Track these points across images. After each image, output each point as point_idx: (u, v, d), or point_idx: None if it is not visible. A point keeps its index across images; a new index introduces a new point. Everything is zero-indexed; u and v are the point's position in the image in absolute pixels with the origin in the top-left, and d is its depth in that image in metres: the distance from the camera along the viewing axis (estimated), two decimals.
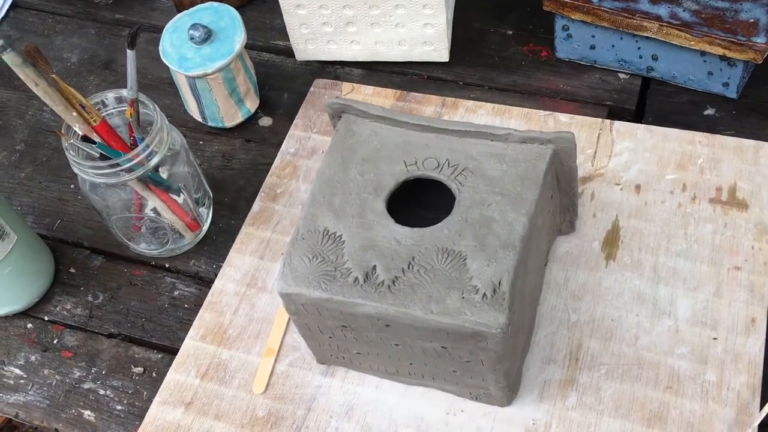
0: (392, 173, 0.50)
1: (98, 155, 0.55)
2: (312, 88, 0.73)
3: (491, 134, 0.50)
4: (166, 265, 0.65)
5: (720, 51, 0.62)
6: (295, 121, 0.71)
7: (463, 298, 0.44)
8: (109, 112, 0.58)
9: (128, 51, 0.55)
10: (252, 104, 0.72)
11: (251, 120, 0.73)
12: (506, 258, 0.45)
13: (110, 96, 0.58)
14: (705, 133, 0.63)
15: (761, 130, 0.64)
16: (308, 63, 0.76)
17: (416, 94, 0.70)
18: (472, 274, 0.45)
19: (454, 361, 0.48)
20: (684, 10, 0.64)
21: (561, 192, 0.53)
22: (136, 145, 0.59)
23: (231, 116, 0.71)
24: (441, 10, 0.68)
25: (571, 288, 0.57)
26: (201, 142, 0.72)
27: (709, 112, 0.66)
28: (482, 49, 0.74)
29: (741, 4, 0.63)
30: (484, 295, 0.44)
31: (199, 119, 0.72)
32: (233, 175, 0.70)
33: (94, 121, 0.56)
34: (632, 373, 0.52)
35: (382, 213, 0.49)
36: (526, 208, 0.47)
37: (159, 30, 0.81)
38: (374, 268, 0.47)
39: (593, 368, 0.53)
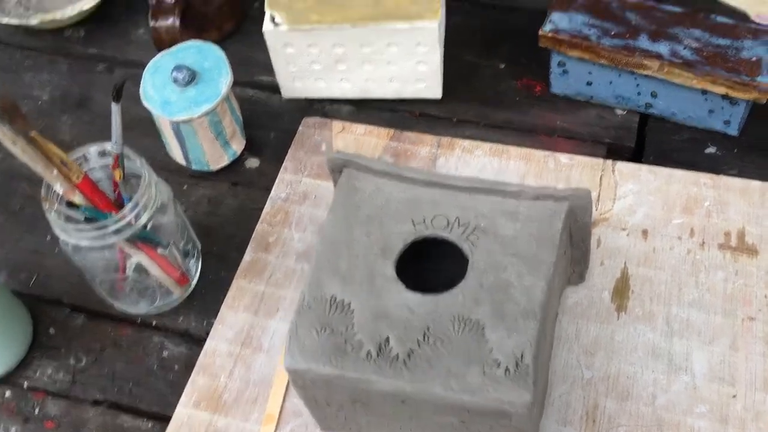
0: (400, 233, 0.48)
1: (83, 218, 0.51)
2: (300, 128, 0.70)
3: (503, 191, 0.48)
4: (153, 323, 0.61)
5: (723, 90, 0.61)
6: (284, 164, 0.68)
7: (484, 373, 0.42)
8: (91, 167, 0.55)
9: (113, 104, 0.51)
10: (238, 145, 0.69)
11: (237, 161, 0.70)
12: (527, 328, 0.43)
13: (92, 150, 0.54)
14: (710, 174, 0.62)
15: (764, 169, 0.63)
16: (295, 99, 0.73)
17: (410, 133, 0.68)
18: (492, 345, 0.43)
19: None
20: (685, 48, 0.62)
21: (573, 246, 0.51)
22: (121, 200, 0.55)
23: (217, 159, 0.68)
24: (435, 48, 0.65)
25: (583, 342, 0.55)
26: (185, 187, 0.69)
27: (711, 150, 0.65)
28: (475, 84, 0.72)
29: (742, 41, 0.62)
30: (507, 369, 0.42)
31: (183, 163, 0.69)
32: (221, 222, 0.66)
33: (77, 178, 0.52)
34: None
35: (392, 278, 0.46)
36: (544, 271, 0.45)
37: (135, 65, 0.77)
38: (387, 340, 0.44)
39: (611, 430, 0.51)
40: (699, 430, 0.50)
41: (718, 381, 0.52)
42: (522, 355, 0.42)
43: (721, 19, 0.63)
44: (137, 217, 0.52)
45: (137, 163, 0.53)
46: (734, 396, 0.51)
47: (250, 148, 0.70)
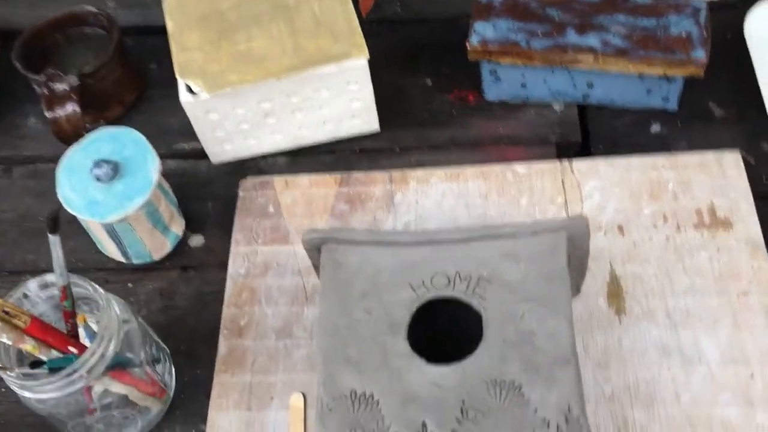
0: (402, 302, 0.45)
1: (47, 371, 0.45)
2: (240, 192, 0.65)
3: (497, 234, 0.45)
4: None
5: (660, 71, 0.61)
6: (234, 236, 0.63)
7: None
8: (33, 303, 0.48)
9: (50, 236, 0.45)
10: (178, 227, 0.63)
11: (180, 243, 0.64)
12: (565, 376, 0.41)
13: (32, 286, 0.48)
14: (666, 155, 0.62)
15: (712, 136, 0.64)
16: (225, 163, 0.68)
17: (358, 174, 0.64)
18: (535, 405, 0.41)
19: None
20: (614, 36, 0.62)
21: (571, 267, 0.50)
22: (75, 330, 0.49)
23: (159, 247, 0.62)
24: (366, 82, 0.62)
25: (594, 356, 0.53)
26: (130, 285, 0.63)
27: (656, 128, 0.65)
28: (406, 107, 0.69)
29: (666, 17, 0.62)
30: (558, 427, 0.40)
31: (121, 259, 0.63)
32: (180, 314, 0.61)
33: (24, 323, 0.46)
34: None
35: (408, 354, 0.43)
36: (563, 311, 0.43)
37: (35, 160, 0.70)
38: (424, 425, 0.41)
39: None
40: (729, 418, 0.50)
41: (733, 363, 0.52)
42: (569, 408, 0.40)
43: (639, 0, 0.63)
44: (106, 348, 0.46)
45: (89, 288, 0.47)
46: (752, 375, 0.52)
47: (190, 225, 0.65)
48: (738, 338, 0.53)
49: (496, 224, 0.45)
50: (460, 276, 0.45)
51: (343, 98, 0.63)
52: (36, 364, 0.45)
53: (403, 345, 0.43)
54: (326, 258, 0.46)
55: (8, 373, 0.44)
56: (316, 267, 0.49)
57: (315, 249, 0.47)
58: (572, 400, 0.40)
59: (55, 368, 0.45)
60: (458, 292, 0.45)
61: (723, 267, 0.56)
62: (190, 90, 0.60)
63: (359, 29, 0.60)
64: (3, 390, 0.58)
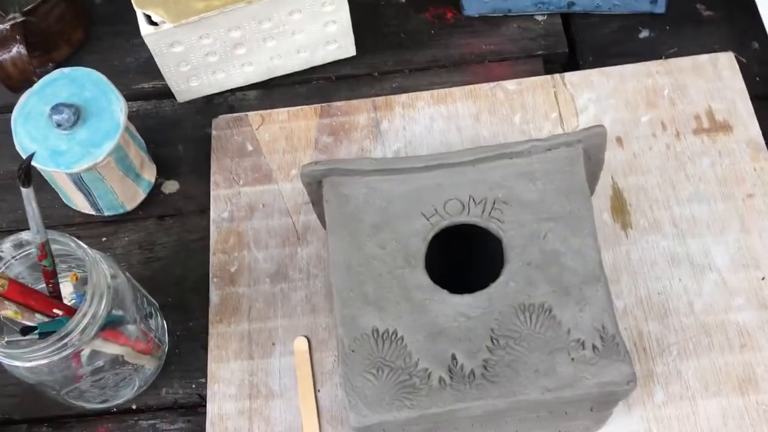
0: (416, 233, 0.42)
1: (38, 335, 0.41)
2: (214, 132, 0.60)
3: (510, 152, 0.43)
4: (133, 407, 0.53)
5: None
6: (212, 178, 0.59)
7: (572, 359, 0.38)
8: (8, 264, 0.44)
9: (23, 189, 0.40)
10: (150, 174, 0.59)
11: (153, 191, 0.60)
12: (596, 294, 0.39)
13: (6, 246, 0.43)
14: (659, 61, 0.59)
15: (702, 38, 0.62)
16: (192, 101, 0.63)
17: (339, 104, 0.61)
18: (567, 326, 0.39)
19: (554, 418, 0.42)
20: None
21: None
22: (57, 291, 0.45)
23: (131, 197, 0.58)
24: (343, 2, 0.57)
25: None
26: (104, 239, 0.58)
27: (645, 34, 0.63)
28: (382, 29, 0.65)
29: None
30: (594, 347, 0.38)
31: (91, 212, 0.58)
32: (164, 266, 0.57)
33: (2, 286, 0.41)
34: (703, 344, 0.49)
35: (430, 286, 0.40)
36: (587, 227, 0.41)
37: None
38: (454, 357, 0.39)
39: (664, 353, 0.49)
40: (744, 322, 0.50)
41: (743, 268, 0.52)
42: (603, 326, 0.39)
43: None
44: (98, 307, 0.42)
45: (71, 245, 0.43)
46: (763, 278, 0.51)
47: (162, 172, 0.60)
48: (747, 242, 0.52)
49: (509, 143, 0.43)
50: (474, 200, 0.42)
51: (319, 22, 0.58)
52: (26, 330, 0.41)
53: (422, 277, 0.41)
54: (330, 192, 0.43)
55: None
56: (315, 203, 0.46)
57: (316, 183, 0.44)
58: (605, 319, 0.39)
59: (45, 333, 0.41)
60: (474, 216, 0.42)
61: (726, 171, 0.55)
62: (150, 21, 0.54)
63: None
64: None
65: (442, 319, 0.39)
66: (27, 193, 0.40)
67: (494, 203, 0.42)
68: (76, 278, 0.43)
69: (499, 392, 0.38)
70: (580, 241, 0.41)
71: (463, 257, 0.44)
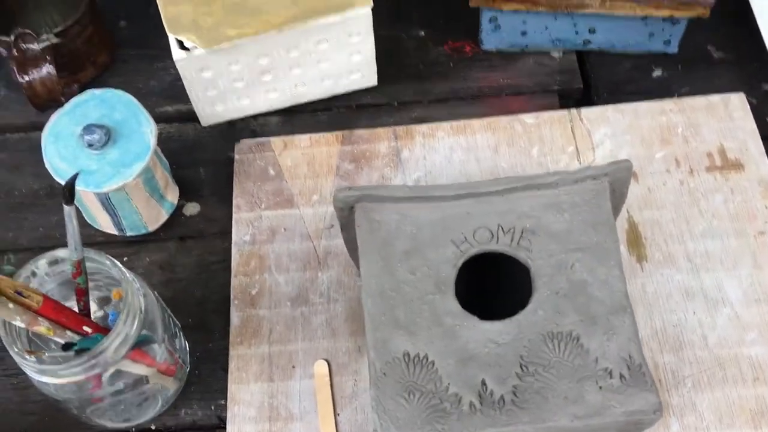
0: (446, 260, 0.43)
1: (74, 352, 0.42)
2: (237, 156, 0.62)
3: (539, 184, 0.44)
4: (153, 427, 0.53)
5: (667, 13, 0.60)
6: (235, 202, 0.60)
7: (600, 387, 0.39)
8: (42, 280, 0.44)
9: (65, 207, 0.41)
10: (174, 195, 0.60)
11: (175, 213, 0.60)
12: (623, 324, 0.40)
13: (42, 263, 0.44)
14: (673, 99, 0.61)
15: (713, 79, 0.64)
16: (215, 125, 0.64)
17: (361, 131, 0.62)
18: (595, 355, 0.40)
19: None
20: None
21: None
22: (88, 309, 0.46)
23: (154, 218, 0.58)
24: (368, 33, 0.59)
25: None
26: (125, 258, 0.59)
27: (657, 73, 0.65)
28: (403, 60, 0.67)
29: None
30: (621, 376, 0.39)
31: (114, 232, 0.59)
32: (184, 287, 0.58)
33: (37, 303, 0.42)
34: (717, 377, 0.51)
35: (460, 313, 0.41)
36: (614, 258, 0.42)
37: (4, 130, 0.65)
38: (484, 383, 0.39)
39: (679, 385, 0.50)
40: (756, 356, 0.51)
41: (756, 303, 0.53)
42: (630, 356, 0.40)
43: None
44: (131, 325, 0.43)
45: (106, 263, 0.44)
46: None
47: (184, 193, 0.61)
48: (759, 278, 0.54)
49: (537, 174, 0.44)
50: (503, 229, 0.43)
51: (344, 52, 0.60)
52: (68, 346, 0.41)
53: (453, 303, 0.42)
54: (362, 217, 0.44)
55: (33, 357, 0.40)
56: (345, 228, 0.47)
57: (348, 208, 0.45)
58: (632, 348, 0.40)
59: (81, 350, 0.41)
60: (503, 245, 0.43)
61: (738, 208, 0.56)
62: (182, 46, 0.56)
63: None
64: (5, 377, 0.54)
65: (472, 344, 0.40)
66: (69, 211, 0.41)
67: (522, 233, 0.43)
68: (119, 296, 0.44)
69: (529, 418, 0.38)
70: (607, 271, 0.42)
71: (491, 284, 0.45)
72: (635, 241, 0.56)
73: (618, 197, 0.46)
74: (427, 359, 0.40)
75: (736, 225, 0.56)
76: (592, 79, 0.65)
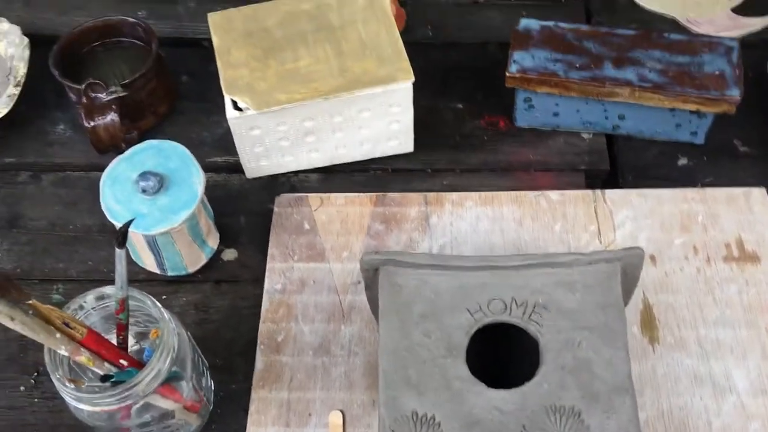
0: (459, 326, 0.46)
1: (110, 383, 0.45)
2: (276, 208, 0.65)
3: (553, 263, 0.47)
4: None
5: (694, 107, 0.63)
6: (270, 252, 0.63)
7: None
8: (87, 313, 0.48)
9: (117, 250, 0.45)
10: (214, 241, 0.64)
11: (214, 257, 0.64)
12: (623, 405, 0.42)
13: (89, 298, 0.48)
14: (695, 189, 0.64)
15: (737, 172, 0.66)
16: (258, 177, 0.68)
17: (394, 195, 0.65)
18: (595, 431, 0.42)
19: None
20: (650, 71, 0.64)
21: None
22: (126, 343, 0.49)
23: (194, 261, 0.62)
24: (408, 105, 0.63)
25: None
26: (164, 297, 0.63)
27: (683, 161, 0.67)
28: (439, 129, 0.71)
29: (701, 56, 0.64)
30: None
31: (156, 271, 0.63)
32: (216, 328, 0.61)
33: (81, 334, 0.45)
34: None
35: (469, 378, 0.44)
36: (620, 340, 0.44)
37: (64, 168, 0.70)
38: None
39: None
40: None
41: (762, 394, 0.54)
42: None
43: (674, 36, 0.65)
44: (164, 362, 0.46)
45: (148, 303, 0.47)
46: None
47: (224, 239, 0.65)
48: (767, 369, 0.55)
49: (553, 253, 0.47)
50: (516, 302, 0.46)
51: (384, 120, 0.64)
52: (106, 378, 0.45)
53: (462, 368, 0.44)
54: (384, 280, 0.47)
55: (73, 384, 0.44)
56: (369, 287, 0.50)
57: (373, 270, 0.48)
58: (631, 429, 0.42)
59: (117, 382, 0.45)
60: (515, 317, 0.46)
61: (752, 300, 0.58)
62: (236, 106, 0.60)
63: (404, 53, 0.62)
64: (36, 400, 0.58)
65: (477, 410, 0.43)
66: (120, 253, 0.45)
67: (534, 307, 0.46)
68: (157, 335, 0.47)
69: None
70: (612, 352, 0.44)
71: (503, 352, 0.48)
72: (649, 323, 0.58)
73: (630, 281, 0.49)
74: (434, 420, 0.43)
75: (749, 316, 0.57)
76: (618, 162, 0.68)
